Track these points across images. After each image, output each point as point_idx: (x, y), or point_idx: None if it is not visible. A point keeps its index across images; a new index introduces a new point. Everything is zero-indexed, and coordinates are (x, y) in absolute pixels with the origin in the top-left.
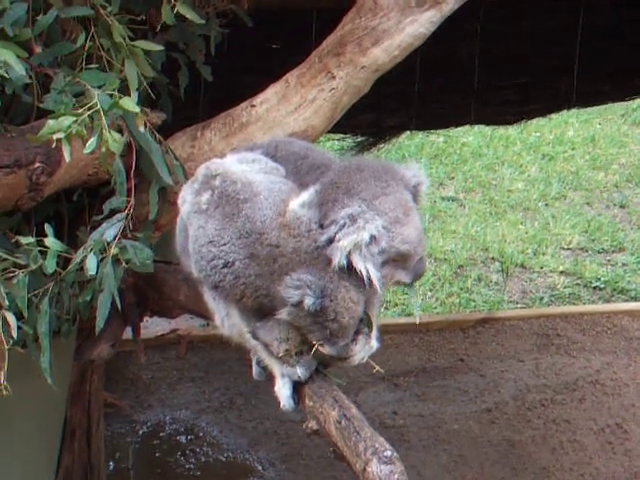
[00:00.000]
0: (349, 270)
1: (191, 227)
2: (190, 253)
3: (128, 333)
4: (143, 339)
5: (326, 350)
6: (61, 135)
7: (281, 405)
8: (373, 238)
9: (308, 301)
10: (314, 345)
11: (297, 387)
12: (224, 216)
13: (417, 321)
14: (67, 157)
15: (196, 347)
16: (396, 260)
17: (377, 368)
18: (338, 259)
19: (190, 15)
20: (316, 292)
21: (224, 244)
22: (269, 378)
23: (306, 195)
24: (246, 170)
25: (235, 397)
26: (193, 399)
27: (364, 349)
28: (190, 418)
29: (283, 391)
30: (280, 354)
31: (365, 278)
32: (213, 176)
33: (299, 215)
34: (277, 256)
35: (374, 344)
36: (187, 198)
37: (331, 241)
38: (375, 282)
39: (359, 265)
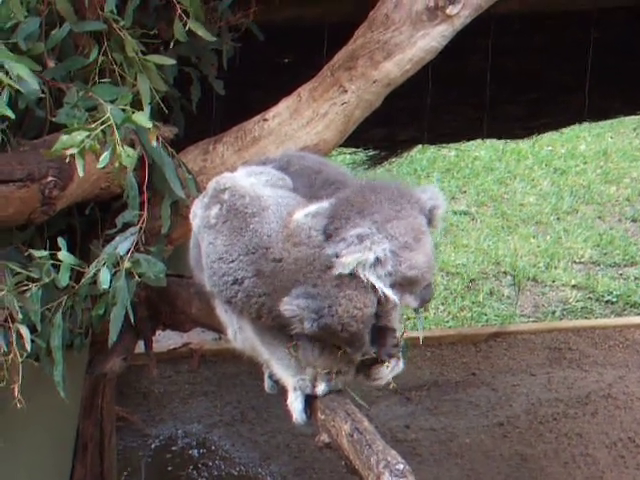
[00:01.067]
0: (351, 276)
1: (203, 242)
2: (204, 267)
3: (140, 347)
4: (155, 353)
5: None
6: (74, 150)
7: (293, 418)
8: (378, 260)
9: (307, 324)
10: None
11: (309, 401)
12: (232, 231)
13: (420, 341)
14: (80, 172)
15: (208, 361)
16: (403, 285)
17: (392, 383)
18: (339, 272)
19: (201, 32)
20: (312, 314)
21: (232, 261)
22: (281, 392)
23: (314, 207)
24: (254, 183)
25: (247, 411)
26: (205, 413)
27: (393, 371)
28: (202, 432)
29: (295, 405)
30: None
31: (380, 293)
32: (222, 190)
33: (301, 223)
34: (279, 272)
35: (402, 365)
36: (198, 212)
37: (336, 256)
38: (389, 295)
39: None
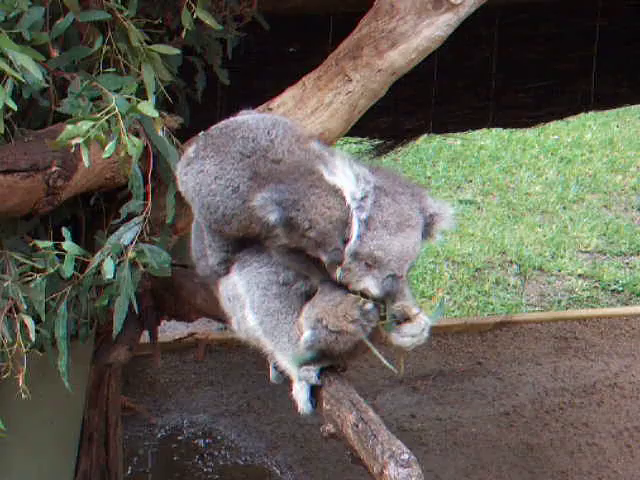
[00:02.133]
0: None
1: (189, 185)
2: (198, 207)
3: (146, 337)
4: (161, 343)
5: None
6: (80, 140)
7: (299, 408)
8: (363, 199)
9: (272, 217)
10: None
11: (315, 390)
12: (218, 148)
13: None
14: (86, 162)
15: (214, 351)
16: (369, 265)
17: (397, 370)
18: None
19: (209, 20)
20: (277, 206)
21: (228, 172)
22: (286, 382)
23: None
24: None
25: (253, 400)
26: (211, 403)
27: (414, 327)
28: (208, 422)
29: (301, 395)
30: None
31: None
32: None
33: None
34: (274, 173)
35: (424, 319)
36: (181, 173)
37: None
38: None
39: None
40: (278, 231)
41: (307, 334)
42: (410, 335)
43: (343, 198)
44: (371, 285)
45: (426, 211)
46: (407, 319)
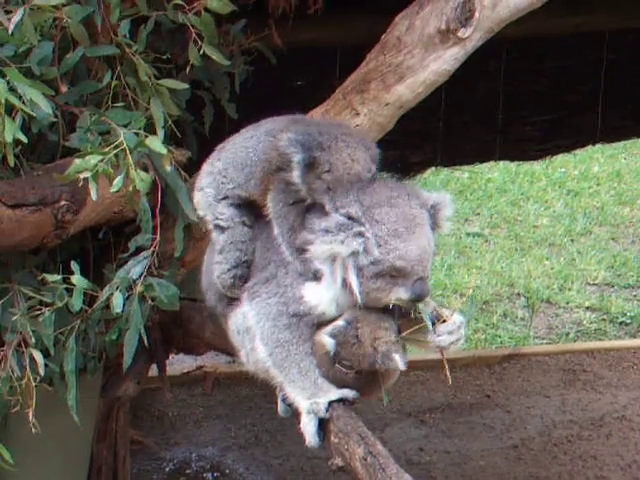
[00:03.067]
0: None
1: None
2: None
3: (154, 370)
4: (169, 376)
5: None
6: (88, 174)
7: (306, 441)
8: (355, 253)
9: (295, 157)
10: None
11: (323, 424)
12: (247, 133)
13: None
14: (94, 196)
15: (222, 384)
16: (394, 276)
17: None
18: (313, 263)
19: (216, 56)
20: (302, 146)
21: (262, 126)
22: (295, 415)
23: None
24: None
25: (261, 434)
26: (219, 436)
27: (449, 325)
28: (216, 455)
29: (309, 427)
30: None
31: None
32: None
33: None
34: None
35: (458, 318)
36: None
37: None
38: (354, 289)
39: (337, 271)
40: (296, 173)
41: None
42: (447, 332)
43: (371, 157)
44: (401, 293)
45: (427, 204)
46: (442, 320)
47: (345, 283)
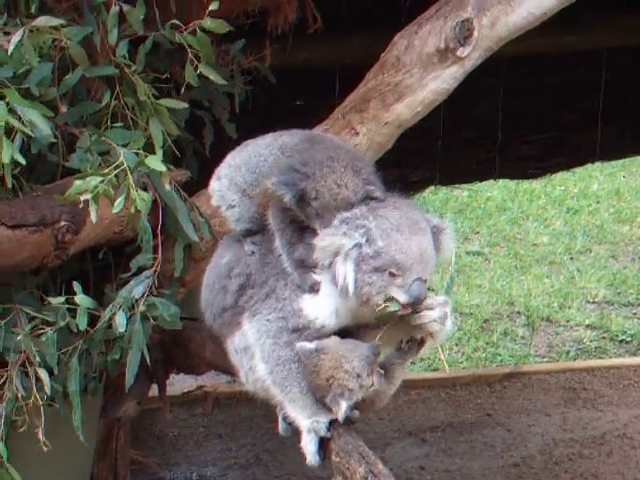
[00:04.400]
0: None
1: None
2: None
3: (154, 390)
4: (169, 396)
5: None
6: (88, 196)
7: (307, 460)
8: (358, 245)
9: (286, 197)
10: None
11: (323, 443)
12: (267, 139)
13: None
14: (94, 217)
15: (222, 404)
16: (393, 274)
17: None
18: (317, 256)
19: (213, 76)
20: (290, 186)
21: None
22: (295, 434)
23: None
24: None
25: (262, 453)
26: (220, 456)
27: (429, 301)
28: (217, 475)
29: (309, 447)
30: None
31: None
32: None
33: None
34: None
35: (441, 297)
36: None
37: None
38: (350, 285)
39: (338, 266)
40: (293, 207)
41: None
42: (427, 308)
43: (363, 180)
44: (398, 293)
45: (430, 221)
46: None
47: (345, 288)
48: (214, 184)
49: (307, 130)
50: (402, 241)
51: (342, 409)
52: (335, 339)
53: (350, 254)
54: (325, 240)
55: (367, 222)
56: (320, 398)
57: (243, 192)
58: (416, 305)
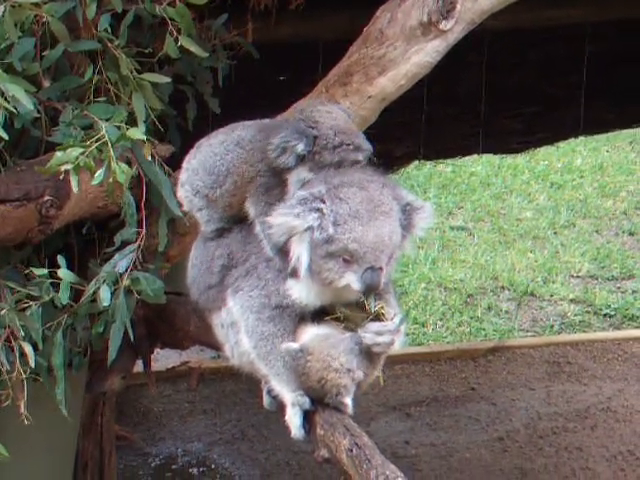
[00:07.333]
0: None
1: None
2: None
3: (139, 366)
4: (154, 371)
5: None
6: (69, 166)
7: (292, 434)
8: (311, 228)
9: (299, 147)
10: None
11: (308, 416)
12: (219, 137)
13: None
14: (75, 188)
15: (207, 379)
16: (347, 260)
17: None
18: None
19: (194, 48)
20: (301, 135)
21: (234, 133)
22: (280, 408)
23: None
24: None
25: (247, 428)
26: (205, 431)
27: (377, 326)
28: (202, 450)
29: (294, 420)
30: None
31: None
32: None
33: None
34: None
35: (393, 324)
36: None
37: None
38: (302, 267)
39: (293, 247)
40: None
41: None
42: (373, 331)
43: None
44: (352, 280)
45: (401, 199)
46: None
47: (297, 270)
48: (179, 191)
49: (258, 120)
50: (357, 228)
51: (349, 406)
52: (317, 335)
53: (303, 237)
54: (278, 219)
55: (323, 206)
56: (317, 399)
57: (205, 197)
58: (368, 293)
